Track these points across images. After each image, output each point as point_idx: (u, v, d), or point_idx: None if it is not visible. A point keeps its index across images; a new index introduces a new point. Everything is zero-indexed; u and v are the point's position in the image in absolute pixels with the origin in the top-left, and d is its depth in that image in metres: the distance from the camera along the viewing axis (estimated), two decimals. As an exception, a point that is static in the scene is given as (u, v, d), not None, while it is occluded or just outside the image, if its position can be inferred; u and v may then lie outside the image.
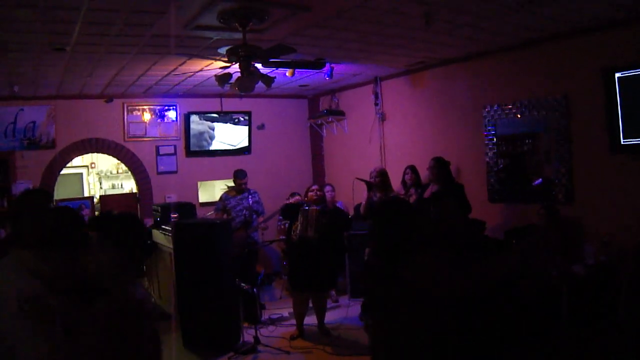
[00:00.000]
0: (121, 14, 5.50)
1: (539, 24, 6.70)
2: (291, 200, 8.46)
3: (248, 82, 6.36)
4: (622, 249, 6.31)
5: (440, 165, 7.83)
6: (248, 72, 6.28)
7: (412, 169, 8.58)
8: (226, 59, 6.42)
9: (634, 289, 4.66)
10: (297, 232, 7.62)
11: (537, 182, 7.67)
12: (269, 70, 8.01)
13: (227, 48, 6.14)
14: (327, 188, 9.80)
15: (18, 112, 9.70)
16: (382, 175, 8.38)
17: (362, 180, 8.38)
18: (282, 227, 10.05)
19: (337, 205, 8.80)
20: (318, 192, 7.88)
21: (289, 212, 8.11)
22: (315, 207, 7.67)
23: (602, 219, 6.79)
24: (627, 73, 6.45)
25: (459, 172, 8.68)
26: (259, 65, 6.82)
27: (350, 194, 8.62)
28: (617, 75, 6.52)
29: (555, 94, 7.36)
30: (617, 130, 6.58)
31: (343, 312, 8.62)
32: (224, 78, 6.53)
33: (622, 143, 6.55)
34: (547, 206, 7.07)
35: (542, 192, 7.59)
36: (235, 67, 6.42)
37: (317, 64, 8.24)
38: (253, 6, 5.54)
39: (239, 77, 6.33)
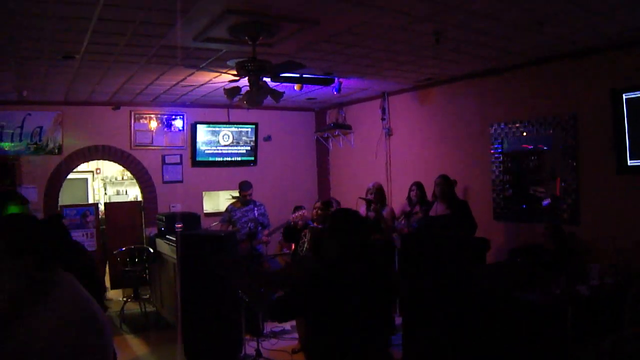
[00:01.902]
0: (131, 25, 5.52)
1: (548, 43, 6.70)
2: (296, 214, 8.42)
3: (257, 96, 6.34)
4: (628, 270, 6.29)
5: (445, 183, 7.82)
6: (257, 86, 6.27)
7: (418, 185, 8.58)
8: (235, 72, 6.42)
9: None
10: (304, 249, 7.59)
11: (545, 202, 7.65)
12: (277, 84, 8.02)
13: (236, 61, 6.13)
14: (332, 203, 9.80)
15: (25, 116, 9.73)
16: (378, 192, 8.52)
17: (364, 199, 8.51)
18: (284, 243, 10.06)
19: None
20: (319, 212, 7.89)
21: (291, 235, 8.11)
22: (321, 227, 7.64)
23: (608, 239, 6.75)
24: (635, 94, 6.44)
25: (465, 189, 8.67)
26: (267, 79, 6.83)
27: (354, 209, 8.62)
28: (625, 96, 6.51)
29: (563, 113, 7.34)
30: (624, 151, 6.55)
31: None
32: (233, 92, 6.52)
33: (628, 164, 6.53)
34: (552, 226, 7.05)
35: (547, 211, 7.57)
36: (243, 81, 6.41)
37: (326, 81, 8.25)
38: (263, 21, 5.54)
39: (247, 91, 6.32)
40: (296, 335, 7.96)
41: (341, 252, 3.59)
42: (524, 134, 7.91)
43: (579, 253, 6.92)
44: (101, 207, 11.89)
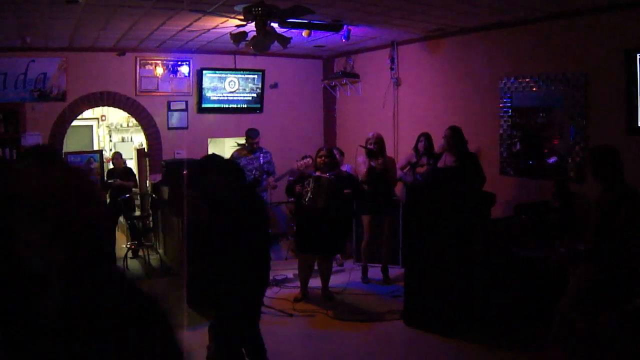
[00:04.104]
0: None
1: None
2: (301, 162, 8.38)
3: (263, 42, 6.27)
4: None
5: (456, 135, 7.73)
6: (264, 31, 6.18)
7: (427, 136, 8.49)
8: (242, 17, 6.31)
9: None
10: (307, 199, 7.55)
11: (552, 159, 7.57)
12: (285, 30, 7.89)
13: (243, 6, 6.03)
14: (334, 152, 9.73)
15: (29, 63, 9.60)
16: (379, 142, 8.42)
17: (363, 147, 8.44)
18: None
19: (346, 169, 8.74)
20: (326, 159, 7.79)
21: (292, 191, 7.97)
22: (327, 176, 7.59)
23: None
24: (649, 55, 6.32)
25: (473, 143, 8.58)
26: (275, 25, 6.71)
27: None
28: (639, 56, 6.38)
29: (574, 71, 7.23)
30: (635, 112, 6.48)
31: (347, 276, 8.60)
32: (239, 37, 6.44)
33: (639, 125, 6.45)
34: (558, 183, 6.98)
35: (554, 169, 7.50)
36: (250, 26, 6.31)
37: (334, 27, 8.12)
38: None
39: (254, 37, 6.24)
40: (298, 284, 7.97)
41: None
42: (534, 89, 7.80)
43: (584, 211, 6.87)
44: (106, 154, 11.85)
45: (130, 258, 9.69)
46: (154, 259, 9.79)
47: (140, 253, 9.80)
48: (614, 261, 5.02)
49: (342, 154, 9.83)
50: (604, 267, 5.04)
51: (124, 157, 11.34)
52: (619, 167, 5.10)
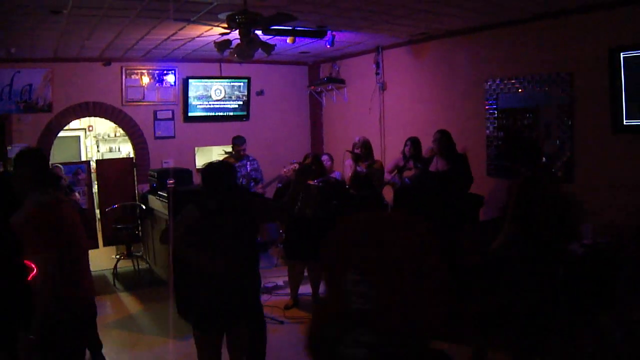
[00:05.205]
0: (119, -22, 5.39)
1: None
2: (287, 168, 8.36)
3: (247, 49, 6.26)
4: (621, 230, 6.28)
5: (445, 138, 7.76)
6: (248, 39, 6.18)
7: (413, 141, 8.46)
8: (226, 25, 6.31)
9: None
10: (296, 207, 7.53)
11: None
12: (269, 37, 7.89)
13: (227, 14, 6.02)
14: (324, 157, 9.68)
15: (14, 74, 9.57)
16: (365, 146, 8.41)
17: (350, 152, 8.45)
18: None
19: (335, 175, 8.74)
20: (313, 167, 7.80)
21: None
22: (315, 183, 7.59)
23: (602, 198, 6.74)
24: (633, 53, 6.34)
25: (460, 145, 8.60)
26: (259, 32, 6.71)
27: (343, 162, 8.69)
28: (622, 55, 6.42)
29: (559, 70, 7.25)
30: (620, 110, 6.49)
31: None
32: (223, 45, 6.43)
33: (624, 123, 6.48)
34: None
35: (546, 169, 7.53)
36: (234, 34, 6.31)
37: (318, 33, 8.13)
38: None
39: (238, 44, 6.23)
40: (288, 291, 7.96)
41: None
42: (520, 90, 7.82)
43: (572, 211, 6.90)
44: (93, 165, 11.82)
45: (119, 269, 9.64)
46: (143, 269, 9.76)
47: (130, 263, 9.75)
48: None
49: (332, 160, 9.85)
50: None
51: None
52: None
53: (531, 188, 5.52)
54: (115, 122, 11.07)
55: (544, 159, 7.48)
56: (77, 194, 8.93)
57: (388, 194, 8.95)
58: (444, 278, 1.84)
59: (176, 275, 7.38)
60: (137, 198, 10.63)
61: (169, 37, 8.50)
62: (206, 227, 4.51)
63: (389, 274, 1.71)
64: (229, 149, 9.85)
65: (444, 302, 1.83)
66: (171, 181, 8.60)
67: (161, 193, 8.84)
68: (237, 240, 4.56)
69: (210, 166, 4.78)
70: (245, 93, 11.60)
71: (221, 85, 11.36)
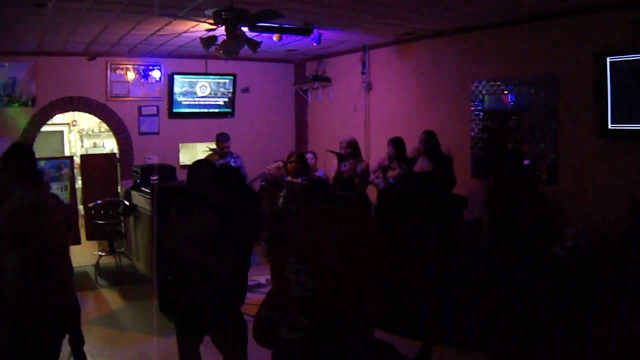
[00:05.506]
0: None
1: (534, 1, 6.60)
2: (271, 166, 8.35)
3: (233, 46, 6.24)
4: (602, 233, 6.30)
5: (431, 139, 7.77)
6: (234, 35, 6.16)
7: (394, 142, 8.40)
8: (212, 22, 6.28)
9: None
10: (280, 203, 7.52)
11: (526, 162, 7.61)
12: (256, 34, 7.86)
13: (213, 10, 6.00)
14: (309, 155, 9.69)
15: (-2, 67, 9.49)
16: (352, 146, 8.39)
17: (333, 152, 8.43)
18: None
19: (319, 174, 8.74)
20: (296, 164, 7.80)
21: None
22: (299, 181, 7.58)
23: (585, 202, 6.78)
24: (618, 58, 6.35)
25: (444, 146, 8.60)
26: (245, 29, 6.69)
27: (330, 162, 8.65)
28: (608, 59, 6.43)
29: (545, 73, 7.27)
30: (605, 114, 6.50)
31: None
32: (209, 41, 6.41)
33: (609, 127, 6.49)
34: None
35: (526, 171, 7.54)
36: (221, 30, 6.28)
37: (305, 31, 8.11)
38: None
39: (224, 41, 6.21)
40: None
41: None
42: (505, 92, 7.85)
43: (555, 213, 6.94)
44: (77, 160, 11.75)
45: (102, 265, 9.58)
46: (126, 265, 9.70)
47: (112, 259, 9.69)
48: None
49: (316, 158, 9.84)
50: None
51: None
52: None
53: (507, 179, 5.58)
54: (99, 117, 10.99)
55: (525, 161, 7.53)
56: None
57: (372, 194, 8.96)
58: (381, 269, 1.92)
59: (169, 274, 7.37)
60: (120, 194, 10.58)
61: (154, 33, 8.44)
62: (225, 229, 4.54)
63: (325, 262, 1.83)
64: (213, 145, 9.81)
65: (381, 293, 1.91)
66: (155, 177, 8.58)
67: (144, 189, 8.80)
68: (238, 240, 4.63)
69: (228, 169, 5.03)
70: (231, 90, 11.57)
71: (207, 81, 11.32)
